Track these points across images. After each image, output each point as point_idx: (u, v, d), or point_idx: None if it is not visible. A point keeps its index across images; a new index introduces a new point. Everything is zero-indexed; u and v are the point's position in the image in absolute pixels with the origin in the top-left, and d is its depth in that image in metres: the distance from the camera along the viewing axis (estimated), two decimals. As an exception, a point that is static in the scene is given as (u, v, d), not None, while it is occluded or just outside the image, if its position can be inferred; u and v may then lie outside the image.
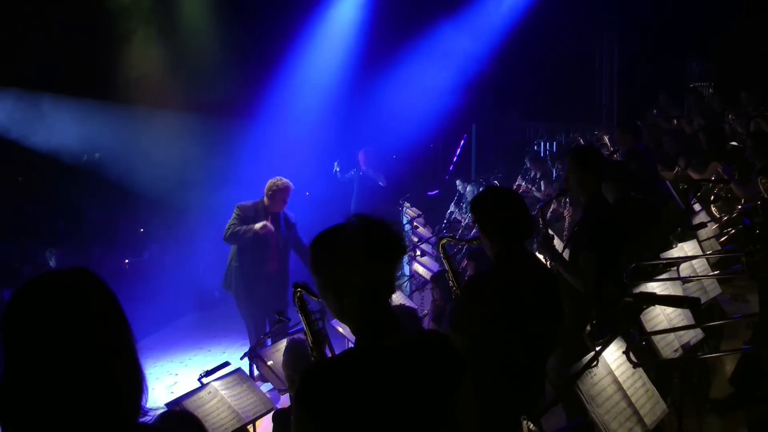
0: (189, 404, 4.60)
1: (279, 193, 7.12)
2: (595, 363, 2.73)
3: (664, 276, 3.91)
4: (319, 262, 2.19)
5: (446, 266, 3.65)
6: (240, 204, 7.19)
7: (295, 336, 5.04)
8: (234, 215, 7.17)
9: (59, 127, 10.17)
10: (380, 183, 10.70)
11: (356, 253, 2.10)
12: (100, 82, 10.31)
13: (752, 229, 3.69)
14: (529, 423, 2.27)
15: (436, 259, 8.25)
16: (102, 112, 10.60)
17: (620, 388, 3.28)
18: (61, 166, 10.64)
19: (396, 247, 2.17)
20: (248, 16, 11.96)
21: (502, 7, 12.48)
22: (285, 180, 7.22)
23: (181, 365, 8.11)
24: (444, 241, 3.82)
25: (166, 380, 7.70)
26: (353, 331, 2.19)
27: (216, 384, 4.78)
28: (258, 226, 7.01)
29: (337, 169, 11.00)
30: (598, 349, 2.63)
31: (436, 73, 12.51)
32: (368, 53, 12.42)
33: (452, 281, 3.73)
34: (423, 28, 12.43)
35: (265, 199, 7.15)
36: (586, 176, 4.37)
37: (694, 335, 4.29)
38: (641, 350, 3.70)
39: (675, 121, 10.66)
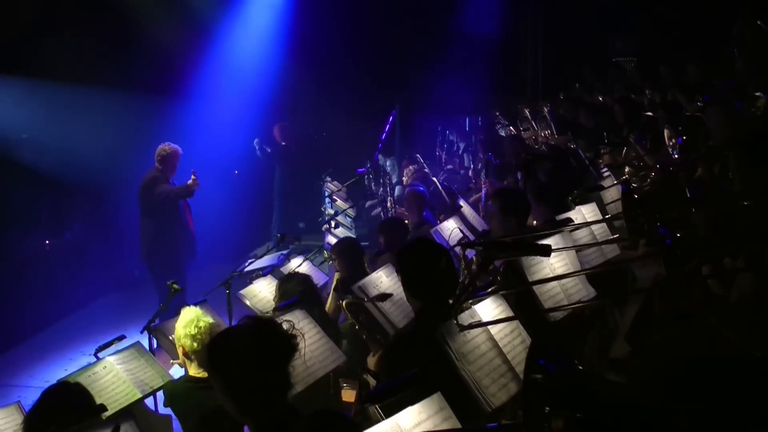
0: (83, 379, 4.51)
1: (170, 158, 7.33)
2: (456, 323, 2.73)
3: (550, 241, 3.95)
4: (215, 366, 2.31)
5: (357, 324, 3.61)
6: (147, 181, 7.25)
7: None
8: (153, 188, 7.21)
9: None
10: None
11: (248, 357, 2.24)
12: (17, 58, 9.91)
13: (630, 194, 3.76)
14: (368, 376, 2.30)
15: (354, 230, 8.28)
16: (19, 90, 10.23)
17: (495, 345, 3.28)
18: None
19: (286, 347, 2.31)
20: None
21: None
22: (174, 145, 7.39)
23: (96, 345, 7.91)
24: (346, 302, 3.80)
25: (80, 360, 7.55)
26: (255, 430, 2.30)
27: (111, 358, 4.72)
28: (190, 182, 7.21)
29: (257, 147, 10.92)
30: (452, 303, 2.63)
31: (360, 49, 12.45)
32: (291, 33, 12.30)
33: (366, 335, 3.68)
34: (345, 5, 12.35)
35: (158, 165, 7.28)
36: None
37: (585, 294, 4.34)
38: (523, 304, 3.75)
39: (600, 98, 10.78)
